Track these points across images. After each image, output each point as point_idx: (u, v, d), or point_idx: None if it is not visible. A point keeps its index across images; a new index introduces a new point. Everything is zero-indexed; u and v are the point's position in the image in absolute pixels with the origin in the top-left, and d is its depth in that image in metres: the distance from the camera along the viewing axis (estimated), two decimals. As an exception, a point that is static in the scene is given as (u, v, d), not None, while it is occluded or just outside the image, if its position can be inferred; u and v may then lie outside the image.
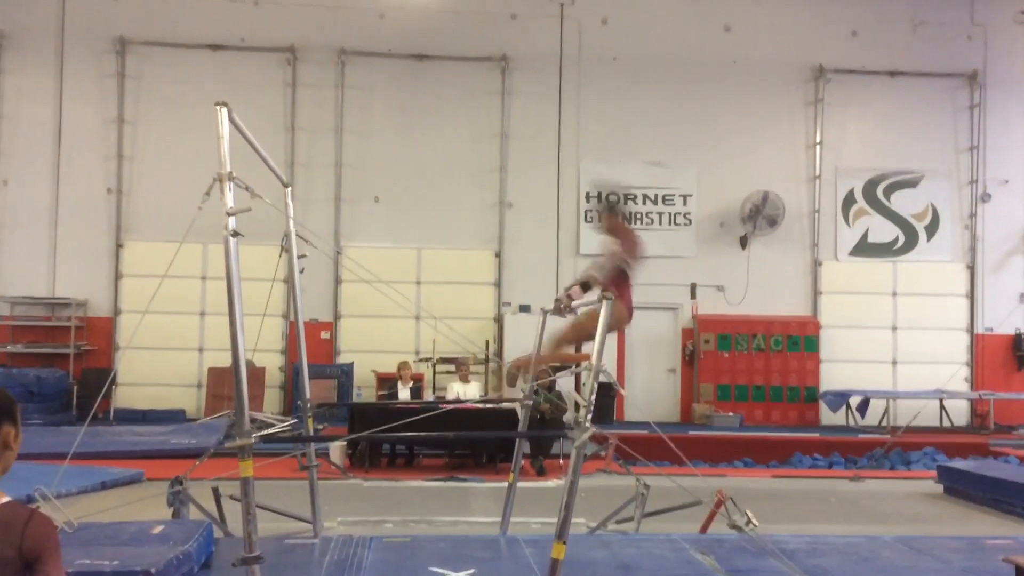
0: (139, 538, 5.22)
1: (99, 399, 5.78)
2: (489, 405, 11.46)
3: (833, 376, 16.64)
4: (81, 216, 15.86)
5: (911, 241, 17.22)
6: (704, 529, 6.82)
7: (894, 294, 17.08)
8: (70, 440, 5.16)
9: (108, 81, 16.06)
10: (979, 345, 17.11)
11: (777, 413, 16.50)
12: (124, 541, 5.14)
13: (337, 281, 16.09)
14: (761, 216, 16.45)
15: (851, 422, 15.80)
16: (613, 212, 6.36)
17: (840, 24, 17.14)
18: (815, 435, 14.48)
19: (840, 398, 15.84)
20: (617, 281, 5.82)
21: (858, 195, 17.18)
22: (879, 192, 17.22)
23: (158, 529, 5.44)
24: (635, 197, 16.74)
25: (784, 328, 16.62)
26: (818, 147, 17.06)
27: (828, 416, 16.24)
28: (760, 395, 16.52)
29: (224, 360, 14.70)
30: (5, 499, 2.15)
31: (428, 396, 14.50)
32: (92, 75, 16.08)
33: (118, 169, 16.00)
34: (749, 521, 5.15)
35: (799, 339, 16.62)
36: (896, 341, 17.02)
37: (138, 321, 14.79)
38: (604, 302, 4.61)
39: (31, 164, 15.88)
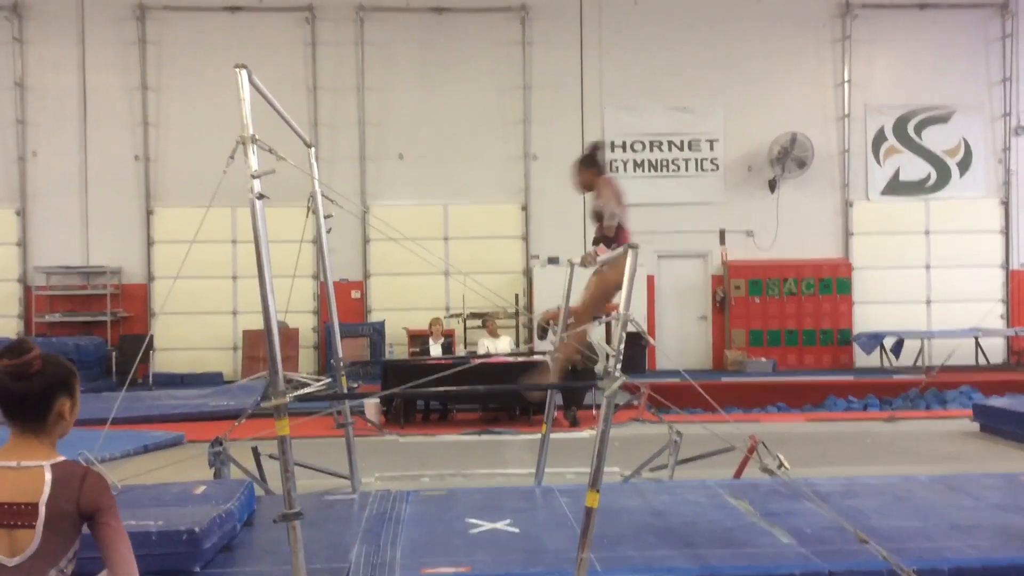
0: (182, 498, 5.33)
1: (136, 364, 5.88)
2: (520, 358, 11.51)
3: (866, 318, 16.52)
4: (111, 184, 16.01)
5: (943, 178, 16.93)
6: (738, 474, 6.84)
7: (927, 232, 16.85)
8: (111, 406, 5.27)
9: (130, 48, 16.09)
10: (1015, 281, 16.88)
11: (810, 357, 16.44)
12: (168, 502, 5.26)
13: (365, 240, 16.15)
14: (790, 158, 16.24)
15: (885, 363, 15.73)
16: (585, 166, 6.08)
17: (867, -43, 16.70)
18: (849, 378, 14.44)
19: (874, 340, 15.74)
20: (619, 235, 5.82)
21: (888, 133, 16.89)
22: (910, 129, 16.91)
23: (200, 489, 5.55)
24: (660, 144, 16.59)
25: (816, 271, 16.49)
26: (846, 85, 16.74)
27: (862, 358, 16.16)
28: (793, 339, 16.45)
29: (258, 322, 14.77)
30: (61, 458, 2.26)
31: (460, 351, 14.58)
32: (113, 42, 16.10)
33: (144, 136, 16.09)
34: (781, 464, 5.16)
35: (831, 282, 16.48)
36: (930, 280, 16.83)
37: (171, 286, 14.99)
38: (629, 251, 4.58)
39: (58, 134, 16.01)
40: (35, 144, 16.07)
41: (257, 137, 4.45)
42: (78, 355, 14.52)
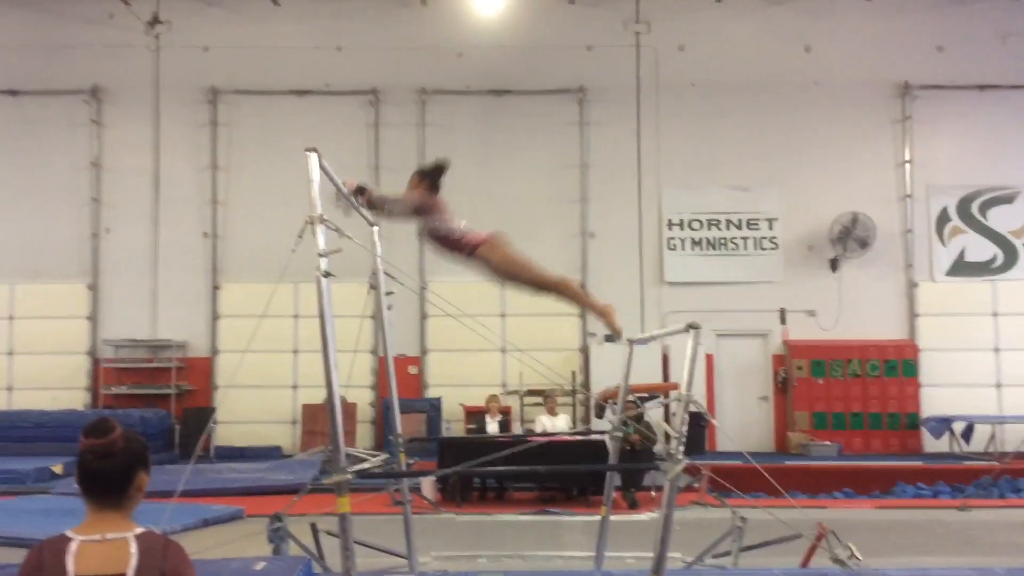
0: (242, 574, 5.34)
1: (202, 438, 5.96)
2: (578, 437, 11.41)
3: (935, 401, 16.04)
4: (179, 260, 16.47)
5: (1010, 259, 16.57)
6: (805, 563, 6.61)
7: (995, 314, 16.42)
8: (173, 479, 5.33)
9: (201, 130, 16.72)
10: (1088, 365, 16.28)
11: (877, 441, 15.96)
12: (227, 577, 5.27)
13: (423, 316, 16.28)
14: (851, 238, 16.07)
15: (955, 449, 15.20)
16: (419, 177, 5.91)
17: (925, 40, 16.73)
18: (918, 463, 13.96)
19: (943, 424, 15.27)
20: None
21: (952, 213, 16.65)
22: (974, 209, 16.65)
23: (260, 565, 5.55)
24: (718, 223, 16.57)
25: (880, 352, 16.12)
26: (908, 165, 16.62)
27: (931, 443, 15.65)
28: (858, 422, 16.01)
29: (317, 396, 14.99)
30: (142, 529, 2.34)
31: (516, 429, 14.50)
32: (186, 124, 16.75)
33: (213, 214, 16.59)
34: (852, 554, 4.98)
35: (897, 363, 16.09)
36: (999, 363, 16.34)
37: (235, 360, 15.29)
38: (691, 331, 4.55)
39: (131, 212, 16.58)
40: (108, 221, 16.66)
41: (325, 217, 4.57)
42: (143, 427, 14.73)
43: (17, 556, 2.89)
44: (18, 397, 16.20)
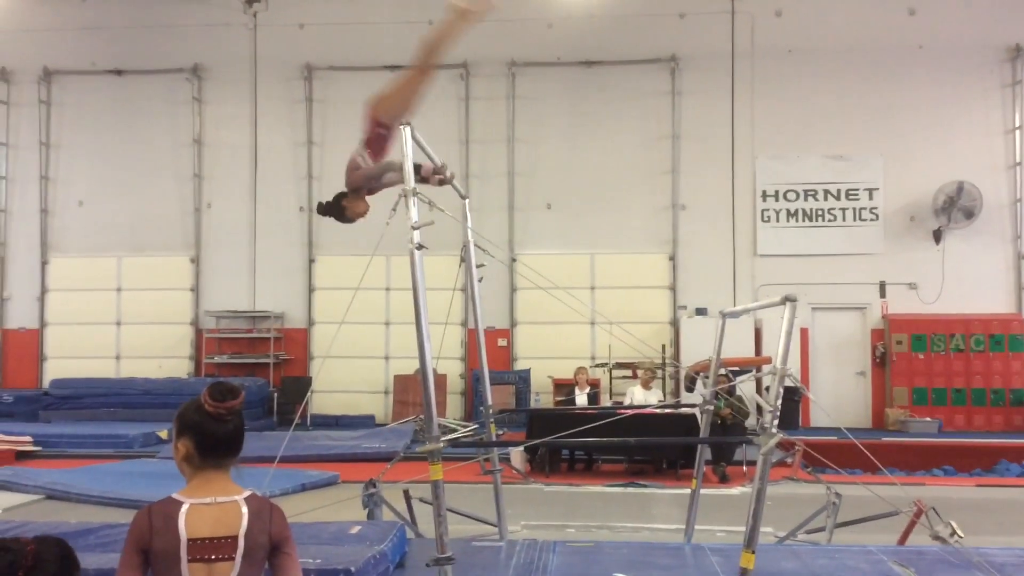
0: (339, 537, 5.51)
1: (302, 406, 6.16)
2: (668, 411, 11.35)
3: (1042, 377, 15.38)
4: (277, 234, 16.91)
5: None
6: (903, 540, 6.46)
7: (1111, 287, 15.60)
8: (272, 445, 5.54)
9: (297, 106, 17.06)
10: None
11: (980, 418, 15.41)
12: (325, 540, 5.44)
13: (512, 289, 16.35)
14: (956, 208, 15.45)
15: (1065, 427, 14.58)
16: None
17: (1040, -2, 15.87)
18: (1023, 441, 13.45)
19: (1051, 401, 14.64)
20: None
21: (1066, 181, 15.84)
22: (1090, 177, 15.79)
23: (355, 530, 5.72)
24: (815, 193, 16.13)
25: (985, 327, 15.51)
26: (1017, 132, 15.84)
27: (1038, 420, 15.04)
28: (960, 399, 15.47)
29: (408, 367, 15.28)
30: (247, 492, 2.40)
31: (605, 401, 14.50)
32: (282, 101, 17.12)
33: (308, 188, 16.95)
34: (954, 532, 4.84)
35: (1002, 338, 15.46)
36: (1116, 338, 15.53)
37: (330, 331, 15.67)
38: (787, 303, 4.47)
39: (231, 187, 17.09)
40: (210, 196, 17.20)
41: (418, 190, 4.64)
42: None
43: (125, 516, 3.05)
44: (125, 365, 16.97)
